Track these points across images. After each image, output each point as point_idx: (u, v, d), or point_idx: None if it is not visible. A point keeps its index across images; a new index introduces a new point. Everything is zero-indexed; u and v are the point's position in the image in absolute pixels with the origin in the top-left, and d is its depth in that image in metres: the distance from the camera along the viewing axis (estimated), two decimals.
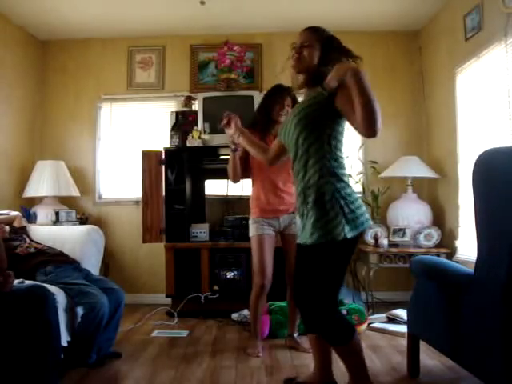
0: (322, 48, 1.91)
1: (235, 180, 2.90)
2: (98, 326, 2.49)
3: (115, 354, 2.69)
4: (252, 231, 2.86)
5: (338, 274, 1.86)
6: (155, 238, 3.82)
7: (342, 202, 1.80)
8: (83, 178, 4.36)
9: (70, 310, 2.49)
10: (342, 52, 1.92)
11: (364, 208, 1.88)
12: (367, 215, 1.88)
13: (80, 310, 2.50)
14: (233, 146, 2.71)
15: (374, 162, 4.20)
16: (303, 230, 1.91)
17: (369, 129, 1.69)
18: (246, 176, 2.95)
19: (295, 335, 2.94)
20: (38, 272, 2.66)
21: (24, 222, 3.23)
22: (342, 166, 1.89)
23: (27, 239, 2.93)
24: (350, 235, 1.78)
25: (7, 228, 2.95)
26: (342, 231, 1.77)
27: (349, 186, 1.88)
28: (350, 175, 1.96)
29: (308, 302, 1.86)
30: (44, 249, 2.86)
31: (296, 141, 1.92)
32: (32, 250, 2.79)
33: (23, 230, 3.07)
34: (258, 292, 2.81)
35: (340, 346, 1.86)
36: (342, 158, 1.90)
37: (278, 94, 2.82)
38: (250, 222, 2.89)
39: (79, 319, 2.49)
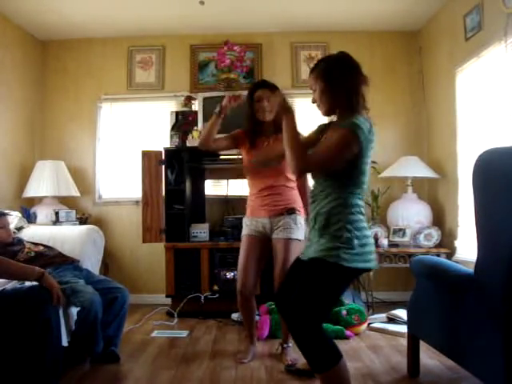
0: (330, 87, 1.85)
1: (203, 143, 2.60)
2: (94, 325, 2.46)
3: (114, 356, 2.65)
4: (242, 232, 2.75)
5: (328, 296, 1.77)
6: (155, 238, 3.82)
7: (353, 234, 1.73)
8: (83, 178, 4.36)
9: (67, 310, 2.48)
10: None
11: (373, 248, 1.82)
12: (374, 256, 1.81)
13: (75, 310, 2.48)
14: (217, 109, 2.53)
15: (374, 162, 4.17)
16: (308, 249, 1.87)
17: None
18: (216, 148, 2.78)
19: (285, 346, 2.70)
20: None
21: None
22: (357, 198, 1.81)
23: (26, 243, 2.91)
24: (353, 265, 1.72)
25: (12, 230, 2.93)
26: (345, 259, 1.71)
27: (362, 220, 1.80)
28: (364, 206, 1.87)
29: (294, 315, 1.75)
30: (43, 251, 2.85)
31: (315, 177, 1.90)
32: (32, 254, 2.78)
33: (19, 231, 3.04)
34: (239, 299, 2.66)
35: (322, 372, 1.71)
36: (360, 190, 1.82)
37: (252, 92, 2.63)
38: (243, 221, 2.79)
39: (75, 316, 2.48)
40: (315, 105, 1.91)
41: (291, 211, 2.62)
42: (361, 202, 1.83)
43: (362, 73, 1.82)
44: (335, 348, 1.73)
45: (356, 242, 1.74)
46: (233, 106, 2.53)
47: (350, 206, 1.78)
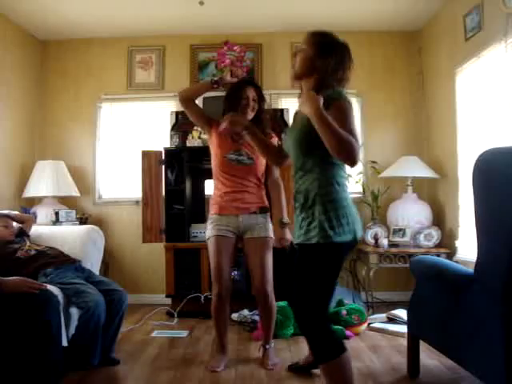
0: (319, 54, 1.80)
1: (184, 97, 2.55)
2: (97, 327, 2.46)
3: (113, 361, 2.63)
4: (208, 232, 2.60)
5: (323, 279, 1.74)
6: (155, 238, 3.82)
7: (332, 210, 1.71)
8: (83, 178, 4.36)
9: (67, 311, 2.47)
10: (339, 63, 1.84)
11: (356, 220, 1.77)
12: (359, 226, 1.77)
13: (76, 311, 2.47)
14: (216, 78, 2.53)
15: (374, 162, 4.20)
16: (297, 231, 1.86)
17: (347, 161, 1.65)
18: (190, 111, 2.60)
19: (267, 346, 2.63)
20: (39, 275, 2.64)
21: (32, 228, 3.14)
22: (338, 170, 1.78)
23: (27, 241, 2.91)
24: (336, 239, 1.69)
25: (14, 227, 2.93)
26: (326, 235, 1.69)
27: (344, 198, 1.76)
28: (348, 176, 1.83)
29: (298, 304, 1.77)
30: (44, 250, 2.84)
31: (295, 157, 1.87)
32: (32, 252, 2.76)
33: (23, 231, 3.05)
34: (216, 303, 2.55)
35: (325, 362, 1.70)
36: (342, 171, 1.80)
37: (242, 89, 2.57)
38: (208, 221, 2.63)
39: (76, 320, 2.46)
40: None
41: (264, 209, 2.62)
42: (342, 174, 1.79)
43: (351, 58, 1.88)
44: (340, 340, 1.76)
45: (334, 216, 1.71)
46: (232, 81, 2.58)
47: (330, 182, 1.75)
